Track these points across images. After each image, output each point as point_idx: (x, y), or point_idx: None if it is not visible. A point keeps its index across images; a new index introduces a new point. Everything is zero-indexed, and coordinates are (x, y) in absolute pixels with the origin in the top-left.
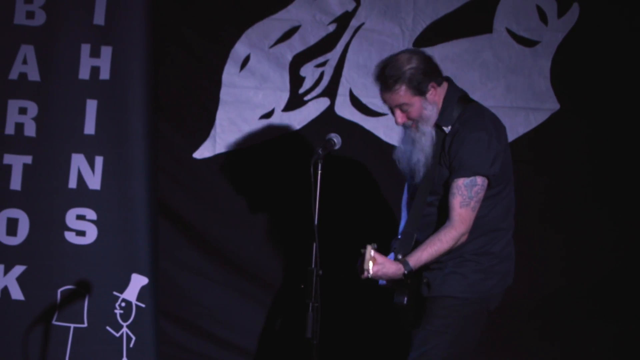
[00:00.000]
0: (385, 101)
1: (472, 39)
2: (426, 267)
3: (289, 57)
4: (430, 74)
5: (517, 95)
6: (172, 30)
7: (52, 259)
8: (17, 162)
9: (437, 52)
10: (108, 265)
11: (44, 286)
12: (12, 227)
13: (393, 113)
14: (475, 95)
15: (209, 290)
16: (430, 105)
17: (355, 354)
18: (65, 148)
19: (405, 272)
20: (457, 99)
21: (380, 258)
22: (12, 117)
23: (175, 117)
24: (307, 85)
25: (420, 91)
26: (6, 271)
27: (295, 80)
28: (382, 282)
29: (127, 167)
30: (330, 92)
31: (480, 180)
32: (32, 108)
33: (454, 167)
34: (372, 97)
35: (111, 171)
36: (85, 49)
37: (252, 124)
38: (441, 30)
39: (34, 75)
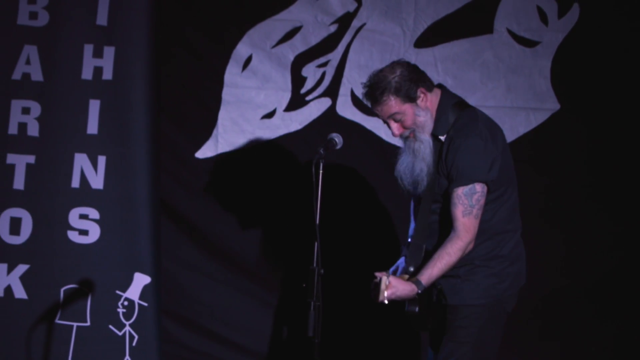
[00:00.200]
0: (378, 115)
1: (473, 40)
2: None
3: (291, 58)
4: (416, 80)
5: (517, 96)
6: (174, 30)
7: (55, 258)
8: (21, 162)
9: (438, 53)
10: (111, 265)
11: (46, 285)
12: (15, 226)
13: (389, 126)
14: (475, 96)
15: (211, 289)
16: (422, 111)
17: (356, 352)
18: (68, 148)
19: (419, 291)
20: (451, 106)
21: (394, 281)
22: (16, 117)
23: (177, 117)
24: (308, 85)
25: (410, 98)
26: (9, 270)
27: (297, 80)
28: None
29: (129, 167)
30: (332, 92)
31: (479, 187)
32: (35, 108)
33: (452, 177)
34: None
35: (114, 171)
36: (88, 49)
37: (254, 123)
38: (442, 31)
39: (37, 75)
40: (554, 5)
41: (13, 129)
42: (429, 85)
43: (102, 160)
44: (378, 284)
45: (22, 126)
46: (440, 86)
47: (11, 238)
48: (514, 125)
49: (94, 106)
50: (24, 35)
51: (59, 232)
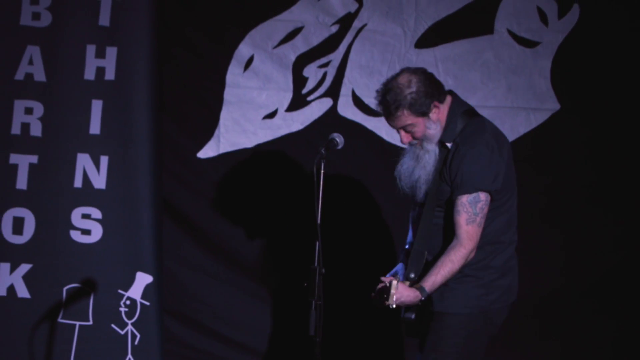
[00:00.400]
0: (389, 124)
1: (474, 40)
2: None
3: (292, 58)
4: (431, 94)
5: (517, 96)
6: (176, 31)
7: (57, 257)
8: (23, 162)
9: (439, 53)
10: (113, 264)
11: (49, 284)
12: (18, 226)
13: (398, 132)
14: (476, 96)
15: (212, 288)
16: (434, 124)
17: (357, 351)
18: (71, 148)
19: (423, 298)
20: (461, 113)
21: (400, 287)
22: (18, 117)
23: (179, 117)
24: (310, 85)
25: (423, 113)
26: (12, 270)
27: (299, 80)
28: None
29: (132, 167)
30: (333, 92)
31: (483, 196)
32: (38, 108)
33: (457, 184)
34: (374, 98)
35: (116, 171)
36: (91, 49)
37: (256, 124)
38: (443, 31)
39: (39, 75)
40: (554, 6)
41: (16, 129)
42: (442, 96)
43: (104, 160)
44: (388, 288)
45: (25, 126)
46: (450, 92)
47: (14, 237)
48: (514, 125)
49: (97, 106)
50: (26, 35)
51: (61, 232)
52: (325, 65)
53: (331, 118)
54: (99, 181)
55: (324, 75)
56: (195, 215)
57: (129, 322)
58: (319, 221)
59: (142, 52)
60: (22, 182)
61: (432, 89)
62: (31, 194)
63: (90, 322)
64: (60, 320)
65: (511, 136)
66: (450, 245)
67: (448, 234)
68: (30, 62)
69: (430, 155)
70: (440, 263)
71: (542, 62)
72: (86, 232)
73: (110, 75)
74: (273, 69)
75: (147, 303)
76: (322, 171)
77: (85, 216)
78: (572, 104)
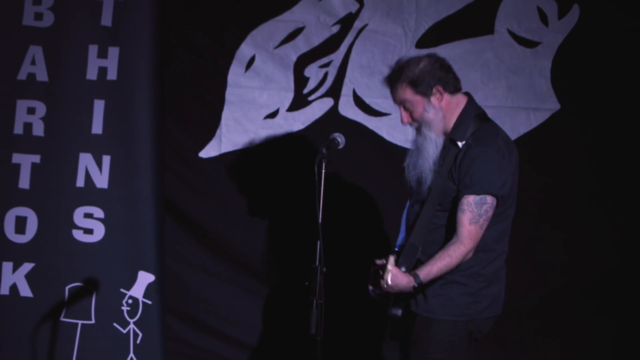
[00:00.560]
0: (393, 101)
1: (474, 40)
2: None
3: (294, 58)
4: (437, 78)
5: (518, 96)
6: (178, 31)
7: (60, 256)
8: (26, 161)
9: (440, 53)
10: (115, 263)
11: (52, 283)
12: (20, 225)
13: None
14: (477, 96)
15: (214, 287)
16: (433, 109)
17: (358, 350)
18: (73, 147)
19: (416, 285)
20: (474, 116)
21: (395, 269)
22: (21, 117)
23: (181, 116)
24: (311, 85)
25: (423, 92)
26: (15, 269)
27: (300, 80)
28: (373, 294)
29: (134, 166)
30: (334, 92)
31: (490, 199)
32: (41, 108)
33: (465, 183)
34: (375, 98)
35: (118, 170)
36: (93, 49)
37: (257, 123)
38: (443, 32)
39: (42, 75)
40: (554, 6)
41: (18, 129)
42: (452, 87)
43: (106, 159)
44: (384, 266)
45: (28, 126)
46: (467, 94)
47: (17, 237)
48: (515, 125)
49: (99, 106)
50: (29, 35)
51: (64, 231)
52: (327, 65)
53: (332, 118)
54: (101, 181)
55: (325, 75)
56: (197, 214)
57: (131, 321)
58: (320, 220)
59: (144, 53)
60: (24, 182)
61: (440, 74)
62: (33, 193)
63: (93, 321)
64: (62, 319)
65: (511, 136)
66: (450, 242)
67: (446, 236)
68: (33, 62)
69: (430, 143)
70: (437, 256)
71: (543, 62)
72: (88, 231)
73: (112, 75)
74: (274, 69)
75: (149, 302)
76: (323, 171)
77: (88, 215)
78: (572, 103)
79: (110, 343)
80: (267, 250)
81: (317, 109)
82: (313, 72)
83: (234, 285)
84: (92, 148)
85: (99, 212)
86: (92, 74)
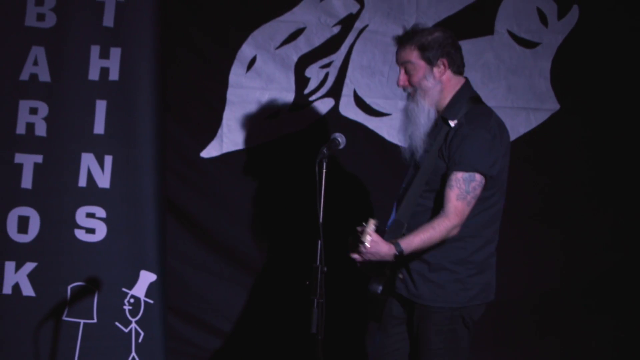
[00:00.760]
0: (396, 60)
1: (474, 41)
2: (404, 264)
3: (295, 59)
4: (446, 52)
5: (518, 96)
6: (180, 32)
7: (62, 256)
8: (28, 161)
9: None
10: (117, 262)
11: (54, 283)
12: (23, 224)
13: (400, 73)
14: None
15: (216, 287)
16: (434, 79)
17: (358, 349)
18: (75, 147)
19: (397, 253)
20: (469, 98)
21: (375, 236)
22: (23, 117)
23: (183, 117)
24: (312, 85)
25: (429, 59)
26: (17, 268)
27: (301, 81)
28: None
29: (135, 166)
30: (335, 92)
31: (478, 177)
32: (43, 108)
33: (454, 160)
34: (375, 98)
35: (120, 170)
36: (95, 50)
37: (258, 123)
38: None
39: (44, 76)
40: (553, 7)
41: (21, 129)
42: (456, 67)
43: (108, 159)
44: (363, 231)
45: (30, 126)
46: (466, 78)
47: (19, 236)
48: (515, 125)
49: (101, 106)
50: (31, 36)
51: (66, 231)
52: (327, 65)
53: (333, 118)
54: (103, 180)
55: (326, 75)
56: (199, 213)
57: (133, 320)
58: (321, 220)
59: (146, 53)
60: (27, 182)
61: (450, 49)
62: (36, 193)
63: (95, 320)
64: (64, 318)
65: (511, 136)
66: (436, 216)
67: (436, 214)
68: (35, 63)
69: (422, 112)
70: (421, 227)
71: (542, 62)
72: (90, 231)
73: (114, 75)
74: (275, 70)
75: (151, 301)
76: (324, 170)
77: (90, 215)
78: (572, 104)
79: (112, 342)
80: (268, 249)
81: (318, 109)
82: (314, 73)
83: (235, 284)
84: (94, 148)
85: (101, 212)
86: (94, 75)
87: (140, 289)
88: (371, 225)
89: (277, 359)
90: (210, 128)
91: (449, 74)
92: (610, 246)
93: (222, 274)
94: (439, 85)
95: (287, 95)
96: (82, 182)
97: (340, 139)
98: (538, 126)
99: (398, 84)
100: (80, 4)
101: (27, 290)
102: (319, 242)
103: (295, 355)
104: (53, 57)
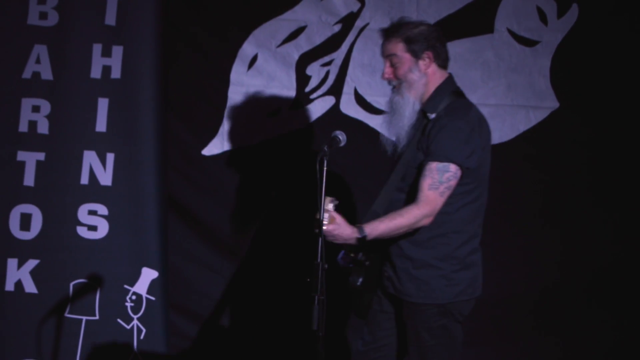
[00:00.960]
0: (382, 53)
1: (474, 39)
2: (389, 260)
3: (296, 57)
4: (431, 45)
5: (517, 94)
6: (181, 30)
7: (64, 253)
8: (31, 159)
9: None
10: (119, 259)
11: (56, 280)
12: (25, 222)
13: (385, 66)
14: (476, 94)
15: (217, 284)
16: (419, 72)
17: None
18: (78, 145)
19: (359, 236)
20: (450, 92)
21: (338, 218)
22: (26, 115)
23: (184, 115)
24: (313, 84)
25: (415, 52)
26: (20, 265)
27: (302, 79)
28: (342, 262)
29: (137, 164)
30: (336, 90)
31: (453, 168)
32: (45, 106)
33: (430, 151)
34: (376, 96)
35: (122, 168)
36: (97, 48)
37: (260, 121)
38: (444, 30)
39: (47, 74)
40: (553, 6)
41: (23, 127)
42: (441, 60)
43: (110, 157)
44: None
45: (32, 124)
46: (450, 73)
47: (21, 233)
48: (514, 123)
49: (103, 104)
50: (34, 34)
51: (68, 228)
52: (328, 63)
53: (334, 116)
54: (105, 178)
55: (327, 73)
56: (200, 211)
57: (135, 316)
58: (321, 217)
59: (148, 51)
60: (29, 179)
61: (435, 43)
62: (38, 190)
63: (97, 317)
64: (67, 315)
65: (511, 134)
66: (407, 205)
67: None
68: (38, 61)
69: (407, 104)
70: (389, 214)
71: (542, 60)
72: (92, 228)
73: (116, 73)
74: (276, 68)
75: (153, 298)
76: (324, 168)
77: (92, 212)
78: (571, 102)
79: (114, 339)
80: (270, 246)
81: (319, 107)
82: (315, 71)
83: (236, 281)
84: (96, 146)
85: (103, 209)
86: (96, 73)
87: (142, 286)
88: (328, 204)
89: (279, 356)
90: (212, 126)
91: (433, 67)
92: (610, 244)
93: (224, 270)
94: (424, 78)
95: (288, 93)
96: (84, 179)
97: (341, 136)
98: (537, 124)
99: (383, 77)
100: (82, 3)
101: (30, 287)
102: (320, 239)
103: (296, 351)
104: (55, 55)
